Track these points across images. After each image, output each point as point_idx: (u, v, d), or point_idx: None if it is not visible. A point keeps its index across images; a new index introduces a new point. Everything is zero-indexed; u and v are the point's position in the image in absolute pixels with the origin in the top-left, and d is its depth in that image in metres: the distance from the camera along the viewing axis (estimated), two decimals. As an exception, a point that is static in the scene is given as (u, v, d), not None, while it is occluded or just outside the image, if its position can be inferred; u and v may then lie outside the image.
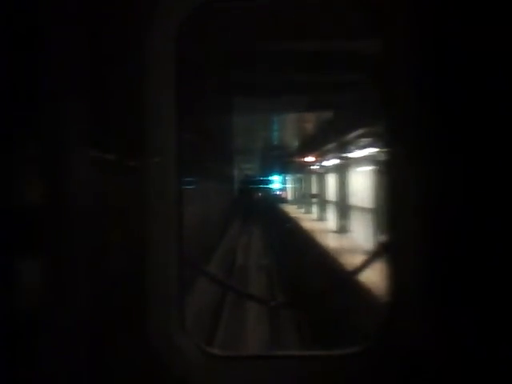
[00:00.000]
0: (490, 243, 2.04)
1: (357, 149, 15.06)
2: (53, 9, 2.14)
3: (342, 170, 16.55)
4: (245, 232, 27.38)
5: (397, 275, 2.19)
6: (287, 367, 2.29)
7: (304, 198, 27.69)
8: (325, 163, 20.82)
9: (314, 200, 24.29)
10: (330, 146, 18.36)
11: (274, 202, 34.65)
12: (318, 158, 22.02)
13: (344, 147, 16.11)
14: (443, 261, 2.10)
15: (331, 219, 18.66)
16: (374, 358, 2.22)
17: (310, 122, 19.46)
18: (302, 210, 26.67)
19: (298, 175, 31.49)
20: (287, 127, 21.68)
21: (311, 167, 24.26)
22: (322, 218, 20.46)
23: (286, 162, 33.06)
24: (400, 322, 2.20)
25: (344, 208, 15.94)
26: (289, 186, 37.62)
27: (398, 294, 2.19)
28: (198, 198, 12.87)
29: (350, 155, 15.79)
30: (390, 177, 2.27)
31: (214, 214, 18.70)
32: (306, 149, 24.43)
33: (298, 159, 27.88)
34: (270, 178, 36.94)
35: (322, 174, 21.82)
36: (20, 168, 2.13)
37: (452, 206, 2.09)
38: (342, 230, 15.56)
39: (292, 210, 28.39)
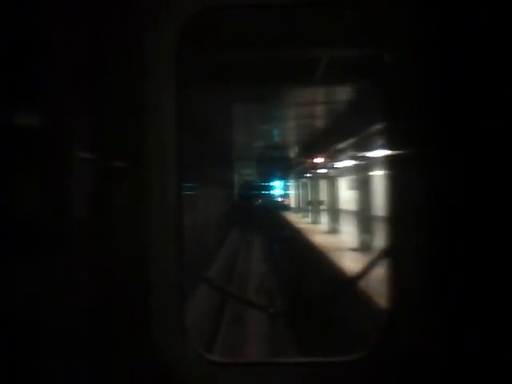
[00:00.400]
0: (491, 246, 2.05)
1: (382, 146, 11.91)
2: (54, 9, 2.11)
3: (362, 173, 13.22)
4: (242, 246, 24.59)
5: (398, 280, 2.22)
6: (287, 374, 2.31)
7: (311, 206, 24.21)
8: (337, 164, 17.54)
9: (321, 208, 21.03)
10: (345, 143, 15.02)
11: (275, 209, 31.55)
12: (328, 159, 18.69)
13: (365, 144, 12.86)
14: (444, 265, 2.11)
15: (347, 232, 15.31)
16: (374, 364, 2.23)
17: (319, 113, 15.97)
18: (309, 220, 23.28)
19: (303, 179, 28.02)
20: (290, 121, 18.20)
21: (319, 170, 20.85)
22: (334, 231, 17.06)
23: (288, 165, 29.74)
24: (400, 327, 2.21)
25: (366, 219, 12.60)
26: (292, 191, 34.19)
27: (399, 299, 2.21)
28: (194, 205, 12.70)
29: (373, 154, 12.57)
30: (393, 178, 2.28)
31: (210, 223, 18.05)
32: (313, 148, 21.01)
33: (303, 160, 24.44)
34: (270, 183, 33.62)
35: (333, 178, 18.45)
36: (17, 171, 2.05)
37: (454, 210, 2.09)
38: (366, 247, 12.18)
39: (297, 219, 24.99)
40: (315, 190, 22.74)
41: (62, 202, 2.13)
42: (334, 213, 17.71)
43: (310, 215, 23.76)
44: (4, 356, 1.94)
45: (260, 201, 33.27)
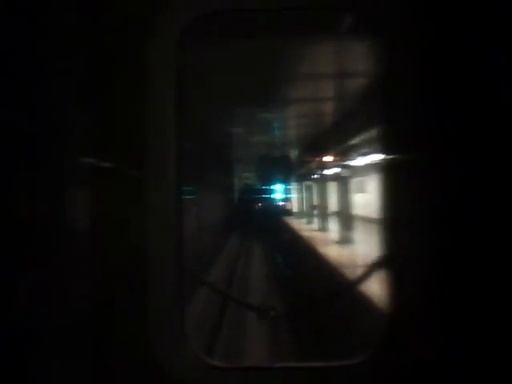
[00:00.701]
0: (493, 253, 2.02)
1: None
2: (55, 15, 2.11)
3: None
4: (241, 254, 22.56)
5: (398, 287, 2.21)
6: (287, 378, 2.30)
7: (316, 210, 21.91)
8: (349, 164, 15.28)
9: (328, 213, 18.77)
10: (362, 137, 12.74)
11: (276, 214, 29.30)
12: (338, 157, 16.44)
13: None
14: (445, 272, 2.10)
15: (364, 242, 12.97)
16: (374, 368, 2.21)
17: (326, 100, 13.62)
18: (315, 226, 20.98)
19: (308, 182, 25.73)
20: (293, 113, 15.88)
21: (326, 171, 18.60)
22: (347, 240, 14.72)
23: (291, 166, 27.52)
24: (400, 333, 2.20)
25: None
26: (294, 195, 31.86)
27: (399, 305, 2.20)
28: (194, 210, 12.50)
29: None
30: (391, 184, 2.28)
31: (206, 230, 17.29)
32: (319, 146, 18.70)
33: (308, 160, 22.13)
34: (271, 186, 31.30)
35: (344, 179, 16.14)
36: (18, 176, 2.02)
37: (456, 217, 2.09)
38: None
39: (301, 227, 22.67)
40: (322, 193, 20.45)
41: (62, 204, 2.09)
42: (347, 219, 15.37)
43: (316, 221, 21.49)
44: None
45: (260, 205, 31.00)
